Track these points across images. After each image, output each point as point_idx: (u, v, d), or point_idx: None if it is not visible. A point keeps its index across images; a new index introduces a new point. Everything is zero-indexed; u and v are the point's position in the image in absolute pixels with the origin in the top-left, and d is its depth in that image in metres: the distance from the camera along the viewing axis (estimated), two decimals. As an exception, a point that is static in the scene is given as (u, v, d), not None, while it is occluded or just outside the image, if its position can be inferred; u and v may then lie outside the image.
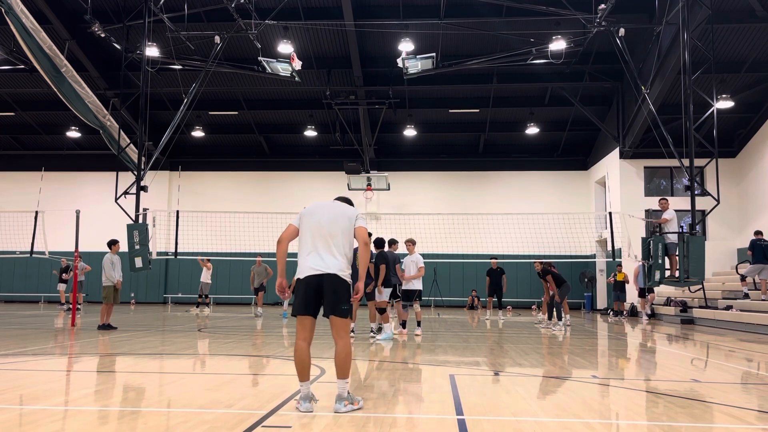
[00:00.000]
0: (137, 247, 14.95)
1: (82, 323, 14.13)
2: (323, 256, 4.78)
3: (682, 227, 15.64)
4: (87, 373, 6.91)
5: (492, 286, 17.78)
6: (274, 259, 13.51)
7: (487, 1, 18.27)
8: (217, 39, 18.35)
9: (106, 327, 12.44)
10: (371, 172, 25.88)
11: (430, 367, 7.48)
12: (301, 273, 4.81)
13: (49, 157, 27.79)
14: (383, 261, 11.28)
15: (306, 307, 4.78)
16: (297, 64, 18.88)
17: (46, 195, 20.70)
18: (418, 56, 18.82)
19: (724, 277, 20.06)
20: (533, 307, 25.21)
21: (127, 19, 17.32)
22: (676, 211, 15.27)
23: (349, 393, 4.80)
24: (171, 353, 8.72)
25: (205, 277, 21.12)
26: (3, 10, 13.21)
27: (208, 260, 20.89)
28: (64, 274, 20.96)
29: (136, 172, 16.15)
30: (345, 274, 4.81)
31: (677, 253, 14.50)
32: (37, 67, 14.53)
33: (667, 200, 15.50)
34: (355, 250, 5.64)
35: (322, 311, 4.88)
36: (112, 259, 13.01)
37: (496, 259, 18.17)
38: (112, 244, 13.27)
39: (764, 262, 15.14)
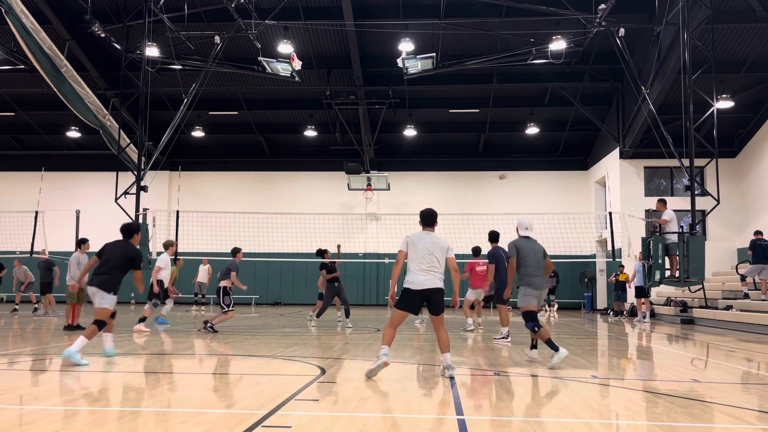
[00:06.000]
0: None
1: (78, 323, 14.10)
2: (430, 275, 6.54)
3: (682, 227, 15.62)
4: (87, 373, 6.91)
5: None
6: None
7: (487, 1, 18.27)
8: (217, 39, 18.37)
9: (73, 327, 12.09)
10: (371, 172, 25.89)
11: (430, 367, 7.48)
12: (415, 285, 6.51)
13: (49, 157, 27.79)
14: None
15: (414, 309, 6.67)
16: (297, 64, 18.90)
17: (46, 195, 20.71)
18: (418, 56, 18.83)
19: (724, 277, 20.04)
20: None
21: (127, 19, 17.33)
22: (676, 211, 15.25)
23: (450, 363, 6.54)
24: (171, 353, 8.72)
25: (202, 276, 21.03)
26: (3, 10, 13.22)
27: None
28: None
29: (136, 172, 16.17)
30: (442, 285, 6.62)
31: (677, 253, 14.51)
32: (37, 67, 14.55)
33: (664, 202, 15.35)
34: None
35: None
36: (78, 259, 12.76)
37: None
38: (82, 243, 13.08)
39: (764, 262, 15.12)
